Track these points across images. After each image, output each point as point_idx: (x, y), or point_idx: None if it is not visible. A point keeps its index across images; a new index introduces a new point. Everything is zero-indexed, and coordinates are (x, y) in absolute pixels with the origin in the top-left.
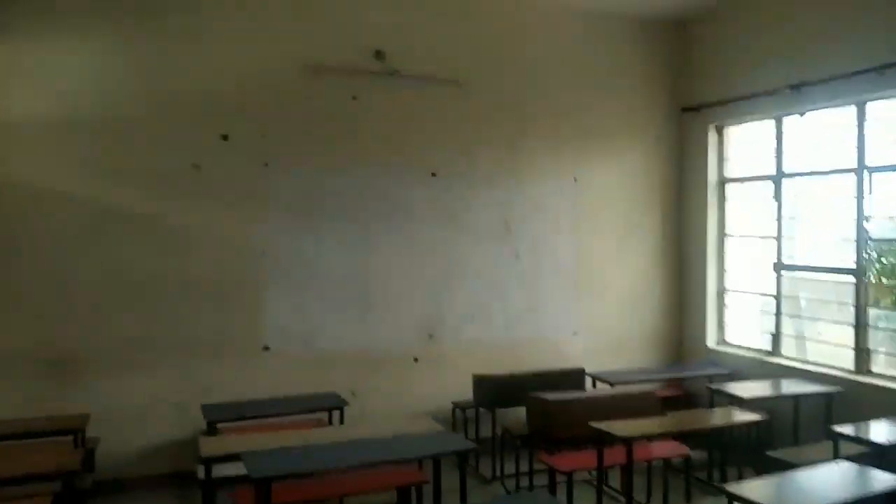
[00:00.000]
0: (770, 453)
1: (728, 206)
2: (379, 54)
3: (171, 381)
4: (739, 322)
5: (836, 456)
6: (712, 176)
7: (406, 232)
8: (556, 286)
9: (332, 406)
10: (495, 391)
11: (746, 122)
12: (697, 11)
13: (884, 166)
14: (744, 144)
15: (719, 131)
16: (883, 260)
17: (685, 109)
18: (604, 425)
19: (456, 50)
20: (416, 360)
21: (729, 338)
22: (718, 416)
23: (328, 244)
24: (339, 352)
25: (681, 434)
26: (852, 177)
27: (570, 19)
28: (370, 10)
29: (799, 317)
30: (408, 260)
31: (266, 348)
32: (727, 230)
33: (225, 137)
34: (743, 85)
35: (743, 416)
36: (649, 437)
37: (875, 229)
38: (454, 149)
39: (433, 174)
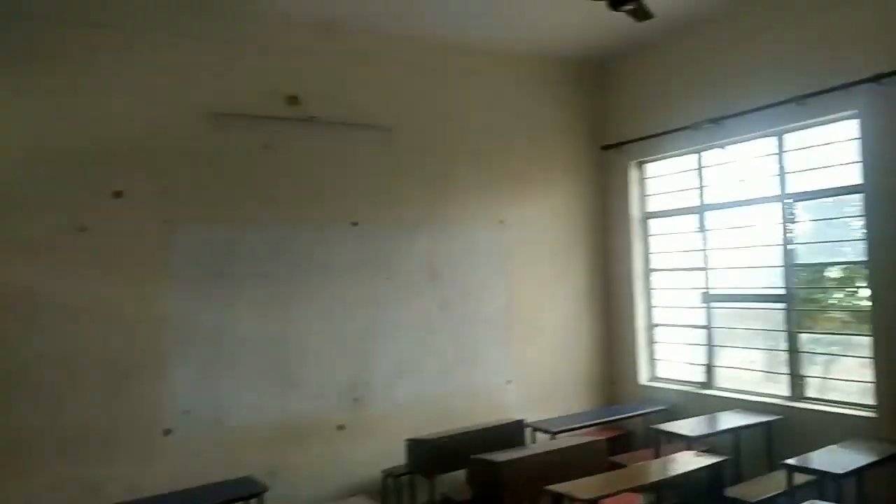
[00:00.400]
0: (727, 492)
1: (653, 240)
2: (293, 100)
3: (50, 484)
4: (671, 356)
5: (790, 488)
6: (635, 212)
7: (326, 288)
8: (487, 334)
9: (248, 494)
10: (430, 454)
11: (668, 157)
12: (616, 50)
13: (804, 193)
14: (666, 179)
15: (641, 167)
16: (809, 285)
17: (606, 147)
18: (563, 487)
19: (377, 94)
20: (341, 427)
21: (662, 373)
22: (679, 463)
23: (240, 308)
24: (254, 428)
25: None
26: (775, 205)
27: (492, 61)
28: (281, 53)
29: (730, 346)
30: (329, 319)
31: (167, 432)
32: (654, 265)
33: (118, 194)
34: (663, 120)
35: (703, 460)
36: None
37: (799, 256)
38: (377, 197)
39: (354, 224)
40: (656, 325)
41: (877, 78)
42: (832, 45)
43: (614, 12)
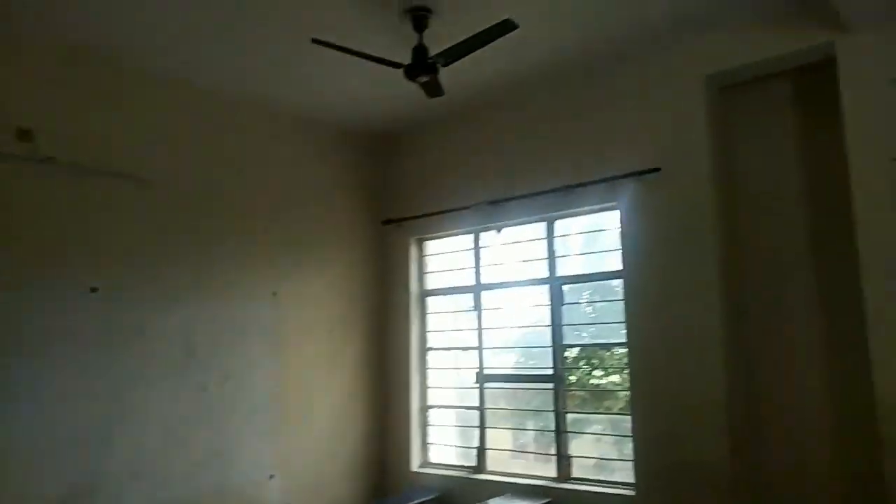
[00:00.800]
0: None
1: (431, 319)
2: (25, 134)
3: None
4: (444, 440)
5: None
6: (414, 289)
7: (47, 368)
8: (251, 422)
9: None
10: None
11: (448, 235)
12: (404, 124)
13: (572, 276)
14: (446, 257)
15: (421, 244)
16: (575, 366)
17: (388, 221)
18: None
19: (137, 140)
20: None
21: (435, 458)
22: None
23: None
24: None
25: None
26: (546, 287)
27: (274, 122)
28: (13, 77)
29: (502, 428)
30: (46, 406)
31: None
32: (431, 344)
33: None
34: (445, 199)
35: None
36: None
37: (567, 337)
38: (127, 259)
39: (94, 290)
40: (430, 407)
41: (634, 174)
42: (600, 141)
43: (405, 85)
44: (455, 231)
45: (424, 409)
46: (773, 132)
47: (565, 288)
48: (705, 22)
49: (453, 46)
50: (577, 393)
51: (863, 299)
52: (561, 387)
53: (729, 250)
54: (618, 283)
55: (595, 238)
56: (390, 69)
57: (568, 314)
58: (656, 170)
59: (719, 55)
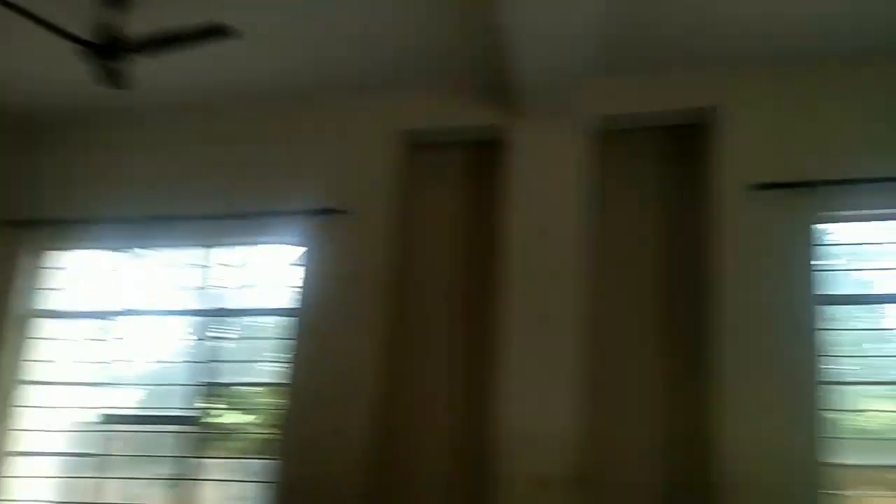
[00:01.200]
0: None
1: (45, 346)
2: None
3: None
4: (39, 496)
5: None
6: (24, 308)
7: None
8: None
9: None
10: None
11: (85, 248)
12: (56, 111)
13: (231, 310)
14: (77, 274)
15: (47, 255)
16: (220, 406)
17: (9, 223)
18: None
19: None
20: None
21: None
22: None
23: None
24: None
25: None
26: (196, 320)
27: None
28: None
29: (124, 478)
30: None
31: None
32: (32, 376)
33: None
34: (89, 206)
35: None
36: None
37: (214, 375)
38: None
39: None
40: (25, 453)
41: (319, 213)
42: (287, 173)
43: (74, 66)
44: (95, 245)
45: (11, 454)
46: (451, 194)
47: (216, 322)
48: (400, 81)
49: (153, 37)
50: (217, 437)
51: (499, 346)
52: (200, 429)
53: (396, 297)
54: (271, 321)
55: (262, 271)
56: (58, 42)
57: (216, 350)
58: (342, 212)
59: (409, 116)
